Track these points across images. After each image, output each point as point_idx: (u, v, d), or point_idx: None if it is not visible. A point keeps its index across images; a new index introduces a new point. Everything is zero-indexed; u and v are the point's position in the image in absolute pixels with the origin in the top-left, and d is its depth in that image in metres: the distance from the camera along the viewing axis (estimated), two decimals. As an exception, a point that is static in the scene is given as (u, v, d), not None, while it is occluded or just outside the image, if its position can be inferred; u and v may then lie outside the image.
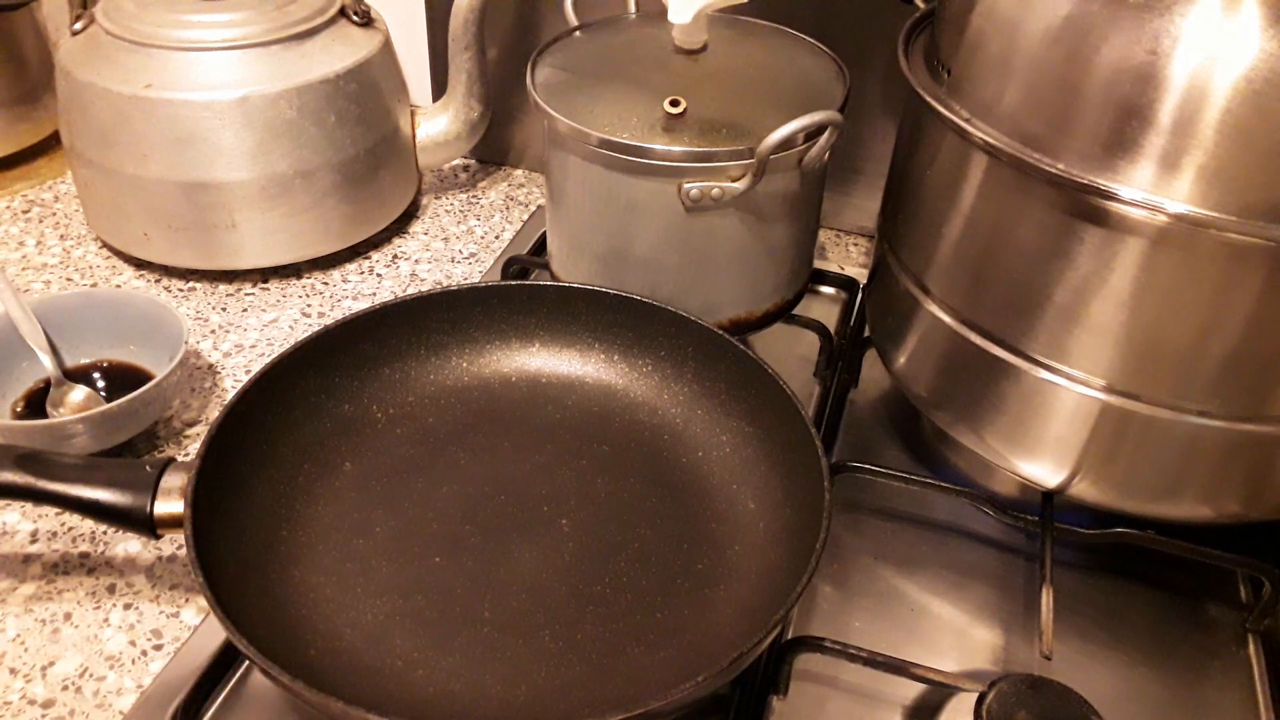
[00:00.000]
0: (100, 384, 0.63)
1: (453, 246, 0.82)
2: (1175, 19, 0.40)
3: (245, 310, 0.73)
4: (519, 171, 0.92)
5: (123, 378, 0.63)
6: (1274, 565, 0.53)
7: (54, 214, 0.82)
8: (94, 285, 0.74)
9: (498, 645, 0.47)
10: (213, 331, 0.71)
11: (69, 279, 0.75)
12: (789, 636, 0.51)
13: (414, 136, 0.80)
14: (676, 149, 0.55)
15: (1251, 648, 0.54)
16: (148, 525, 0.47)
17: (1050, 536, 0.54)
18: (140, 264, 0.76)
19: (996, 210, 0.48)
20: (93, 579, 0.54)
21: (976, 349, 0.51)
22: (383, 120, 0.76)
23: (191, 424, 0.63)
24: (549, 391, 0.61)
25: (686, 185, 0.56)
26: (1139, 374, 0.46)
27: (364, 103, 0.73)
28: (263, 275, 0.76)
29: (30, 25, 0.87)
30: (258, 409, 0.52)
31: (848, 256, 0.82)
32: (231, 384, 0.67)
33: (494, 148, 0.91)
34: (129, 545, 0.55)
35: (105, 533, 0.56)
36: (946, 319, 0.52)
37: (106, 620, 0.52)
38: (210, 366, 0.68)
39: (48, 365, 0.61)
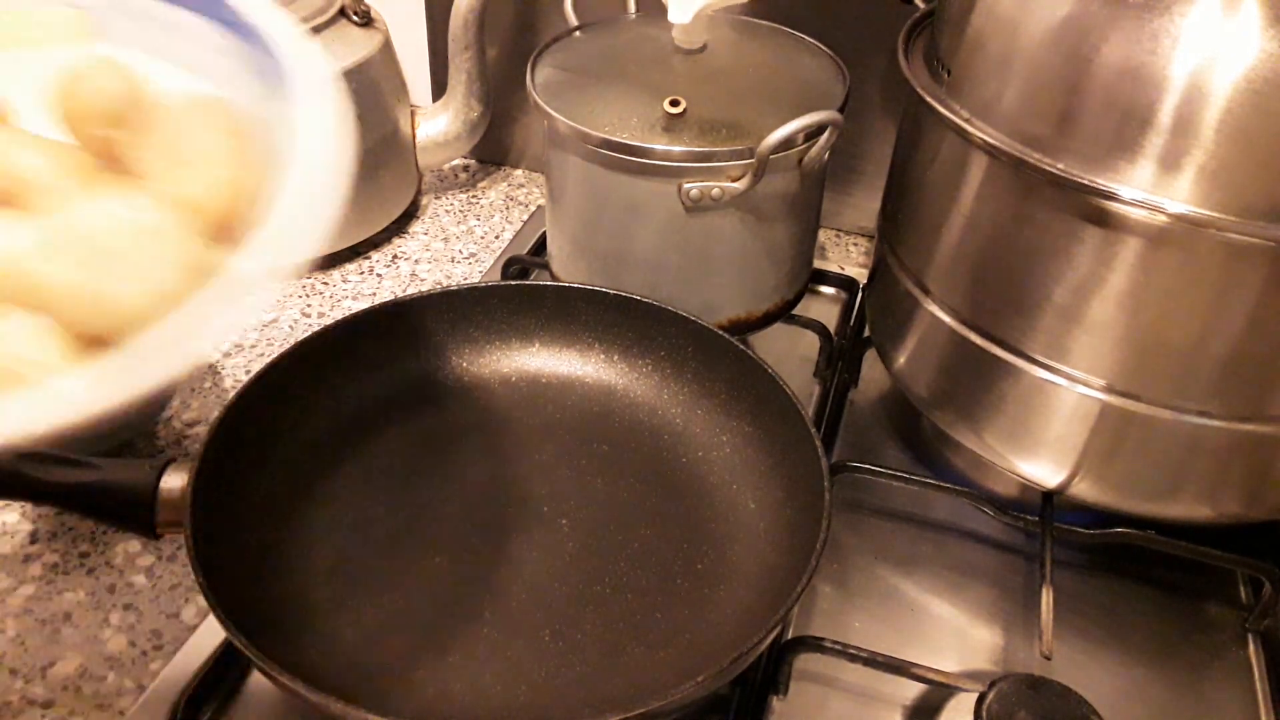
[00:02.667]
0: (100, 384, 0.63)
1: (453, 246, 0.82)
2: (1175, 19, 0.40)
3: (245, 310, 0.73)
4: (519, 171, 0.92)
5: (123, 378, 0.63)
6: (1274, 565, 0.53)
7: (54, 214, 0.82)
8: (94, 285, 0.74)
9: (498, 645, 0.47)
10: (213, 331, 0.71)
11: (69, 279, 0.75)
12: (789, 636, 0.51)
13: (414, 136, 0.80)
14: (676, 149, 0.55)
15: (1251, 648, 0.54)
16: (148, 525, 0.47)
17: (1050, 536, 0.54)
18: (140, 264, 0.76)
19: (996, 210, 0.48)
20: (93, 579, 0.54)
21: (976, 349, 0.51)
22: (383, 120, 0.76)
23: (191, 424, 0.63)
24: (549, 391, 0.61)
25: (686, 185, 0.56)
26: (1139, 374, 0.46)
27: (364, 103, 0.73)
28: (263, 275, 0.76)
29: (30, 25, 0.87)
30: (258, 409, 0.52)
31: (848, 256, 0.82)
32: (231, 384, 0.67)
33: (494, 148, 0.91)
34: (129, 545, 0.55)
35: (105, 533, 0.56)
36: (946, 319, 0.52)
37: (106, 620, 0.52)
38: (210, 366, 0.68)
39: (48, 365, 0.61)
